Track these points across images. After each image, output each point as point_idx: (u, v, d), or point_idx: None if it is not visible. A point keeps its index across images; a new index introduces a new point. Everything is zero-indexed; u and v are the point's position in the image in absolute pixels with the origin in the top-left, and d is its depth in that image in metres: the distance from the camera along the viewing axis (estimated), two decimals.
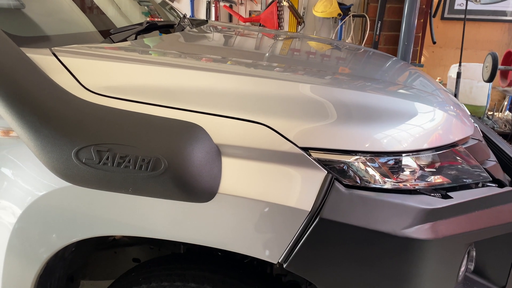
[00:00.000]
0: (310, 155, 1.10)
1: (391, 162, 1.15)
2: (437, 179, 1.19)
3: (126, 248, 1.98)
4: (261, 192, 1.08)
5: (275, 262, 1.11)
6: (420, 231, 1.06)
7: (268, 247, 1.11)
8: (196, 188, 1.04)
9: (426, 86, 1.68)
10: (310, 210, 1.06)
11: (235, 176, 1.09)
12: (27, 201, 1.18)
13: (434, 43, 4.52)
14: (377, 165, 1.14)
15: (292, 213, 1.07)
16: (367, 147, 1.13)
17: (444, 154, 1.21)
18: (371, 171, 1.13)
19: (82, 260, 1.66)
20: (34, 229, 1.21)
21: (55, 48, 1.24)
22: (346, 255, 1.08)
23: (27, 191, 1.19)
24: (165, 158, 1.02)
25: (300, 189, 1.09)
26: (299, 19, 5.28)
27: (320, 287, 1.13)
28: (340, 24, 5.18)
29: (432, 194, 1.16)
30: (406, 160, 1.16)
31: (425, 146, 1.18)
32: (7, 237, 1.23)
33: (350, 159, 1.12)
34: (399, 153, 1.15)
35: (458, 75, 4.32)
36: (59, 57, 1.18)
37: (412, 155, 1.16)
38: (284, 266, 1.11)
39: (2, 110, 1.03)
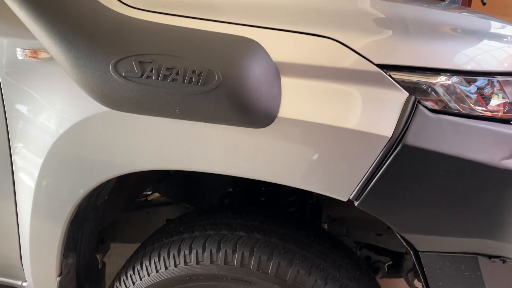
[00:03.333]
0: (388, 74, 0.92)
1: (483, 85, 0.96)
2: None
3: (160, 208, 1.85)
4: (329, 116, 0.91)
5: (344, 199, 0.94)
6: None
7: (338, 181, 0.94)
8: (253, 108, 0.88)
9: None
10: (391, 136, 0.88)
11: (298, 98, 0.92)
12: (59, 131, 1.04)
13: (484, 4, 4.17)
14: (466, 88, 0.95)
15: (368, 140, 0.90)
16: (455, 65, 0.94)
17: None
18: (459, 95, 0.94)
19: (114, 215, 1.53)
20: (67, 163, 1.08)
21: None
22: (432, 189, 0.90)
23: (59, 120, 1.05)
24: (219, 70, 0.85)
25: (378, 113, 0.91)
26: None
27: (398, 229, 0.96)
28: None
29: None
30: (500, 84, 0.97)
31: None
32: (36, 174, 1.10)
33: (435, 79, 0.93)
34: (493, 74, 0.96)
35: None
36: None
37: (508, 76, 0.97)
38: (356, 204, 0.94)
39: (31, 19, 0.89)
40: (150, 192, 2.14)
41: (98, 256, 1.53)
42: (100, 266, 1.55)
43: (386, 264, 1.75)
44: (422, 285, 1.53)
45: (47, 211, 1.14)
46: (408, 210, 0.93)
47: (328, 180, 0.94)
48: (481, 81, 0.95)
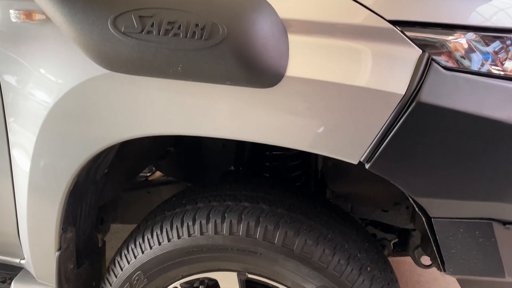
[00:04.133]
0: (401, 30, 0.87)
1: (499, 43, 0.92)
2: None
3: (161, 188, 1.81)
4: (340, 74, 0.86)
5: (355, 162, 0.90)
6: None
7: (348, 143, 0.89)
8: (260, 65, 0.84)
9: None
10: (404, 93, 0.84)
11: (307, 56, 0.88)
12: (56, 96, 1.00)
13: None
14: (482, 46, 0.90)
15: (380, 98, 0.85)
16: (471, 22, 0.90)
17: None
18: (474, 52, 0.90)
19: (114, 191, 1.48)
20: (64, 131, 1.03)
21: None
22: (447, 149, 0.86)
23: (55, 85, 1.00)
24: (224, 24, 0.81)
25: (390, 71, 0.87)
26: None
27: (411, 193, 0.91)
28: None
29: None
30: None
31: None
32: (33, 144, 1.05)
33: (450, 36, 0.89)
34: (509, 32, 0.92)
35: None
36: None
37: None
38: (367, 166, 0.90)
39: None
40: (150, 174, 2.10)
41: (98, 235, 1.50)
42: (100, 245, 1.51)
43: (392, 242, 1.71)
44: (431, 260, 1.51)
45: (44, 183, 1.10)
46: (421, 172, 0.89)
47: (338, 142, 0.90)
48: (497, 39, 0.91)
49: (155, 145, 1.53)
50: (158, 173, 2.14)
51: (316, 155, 1.49)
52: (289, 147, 0.93)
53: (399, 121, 0.85)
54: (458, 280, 1.17)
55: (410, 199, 0.95)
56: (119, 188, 1.54)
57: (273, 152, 1.50)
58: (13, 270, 1.48)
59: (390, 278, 1.17)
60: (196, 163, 1.67)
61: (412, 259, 1.68)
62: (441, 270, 1.32)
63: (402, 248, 1.71)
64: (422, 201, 0.93)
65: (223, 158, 1.64)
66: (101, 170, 1.26)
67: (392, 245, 1.72)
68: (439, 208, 0.94)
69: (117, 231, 2.41)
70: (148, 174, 2.11)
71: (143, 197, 1.79)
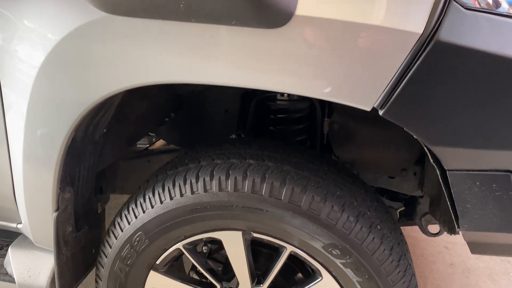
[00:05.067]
0: None
1: None
2: None
3: (161, 157, 1.76)
4: (353, 12, 0.81)
5: (368, 108, 0.85)
6: None
7: (361, 88, 0.84)
8: (269, 2, 0.78)
9: None
10: (422, 32, 0.79)
11: None
12: (50, 44, 0.94)
13: None
14: None
15: (396, 37, 0.80)
16: None
17: None
18: None
19: (113, 155, 1.43)
20: (60, 82, 0.98)
21: None
22: (467, 92, 0.82)
23: (49, 32, 0.95)
24: None
25: (406, 8, 0.81)
26: None
27: (426, 141, 0.87)
28: None
29: None
30: None
31: None
32: (28, 95, 1.00)
33: None
34: None
35: None
36: None
37: None
38: (381, 113, 0.85)
39: None
40: (150, 145, 2.06)
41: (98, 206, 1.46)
42: (99, 211, 1.47)
43: (398, 210, 1.68)
44: (440, 227, 1.47)
45: (40, 138, 1.05)
46: (438, 118, 0.84)
47: (350, 86, 0.85)
48: None
49: (155, 109, 1.47)
50: (158, 144, 2.09)
51: (322, 119, 1.44)
52: (298, 94, 0.88)
53: (416, 63, 0.80)
54: (468, 243, 1.14)
55: (425, 149, 0.90)
56: (118, 153, 1.49)
57: (278, 116, 1.45)
58: (10, 237, 1.44)
59: (400, 239, 1.14)
60: (197, 129, 1.62)
61: (419, 227, 1.64)
62: (451, 233, 1.29)
63: (408, 217, 1.67)
64: (438, 151, 0.88)
65: (226, 124, 1.59)
66: (100, 130, 1.21)
67: (398, 214, 1.68)
68: (455, 159, 0.89)
69: (116, 206, 2.37)
70: (148, 146, 2.07)
71: (143, 167, 1.74)
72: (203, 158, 1.14)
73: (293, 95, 1.41)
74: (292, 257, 1.26)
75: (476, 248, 1.12)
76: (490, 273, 2.13)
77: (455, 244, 2.35)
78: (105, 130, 1.24)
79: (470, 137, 0.85)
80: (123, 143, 1.49)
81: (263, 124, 1.48)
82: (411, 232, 2.37)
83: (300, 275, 1.26)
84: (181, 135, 1.68)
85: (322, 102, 1.43)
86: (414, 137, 0.87)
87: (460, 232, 1.09)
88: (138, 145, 2.05)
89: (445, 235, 2.42)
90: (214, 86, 1.51)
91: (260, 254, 1.26)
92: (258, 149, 1.15)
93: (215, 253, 1.30)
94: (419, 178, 1.55)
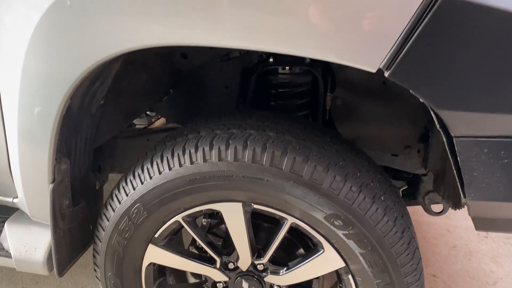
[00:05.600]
0: None
1: None
2: None
3: (160, 135, 1.73)
4: None
5: (373, 70, 0.82)
6: None
7: (366, 47, 0.81)
8: None
9: None
10: None
11: None
12: (42, 9, 0.91)
13: None
14: None
15: None
16: None
17: None
18: None
19: (110, 131, 1.40)
20: (56, 43, 0.94)
21: None
22: (477, 51, 0.78)
23: None
24: None
25: None
26: None
27: (434, 104, 0.84)
28: None
29: None
30: None
31: None
32: (22, 59, 0.97)
33: None
34: None
35: None
36: None
37: None
38: (387, 74, 0.82)
39: None
40: (146, 125, 2.03)
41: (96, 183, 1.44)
42: (97, 187, 1.45)
43: (401, 189, 1.65)
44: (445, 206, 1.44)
45: (36, 106, 1.02)
46: (447, 79, 0.81)
47: (355, 46, 0.81)
48: None
49: (153, 83, 1.44)
50: (157, 123, 2.07)
51: (324, 94, 1.41)
52: (300, 55, 0.85)
53: (424, 19, 0.76)
54: (473, 219, 1.11)
55: (432, 113, 0.87)
56: (116, 128, 1.46)
57: (279, 90, 1.42)
58: (7, 213, 1.42)
59: (404, 212, 1.11)
60: (197, 106, 1.59)
61: (422, 206, 1.62)
62: (455, 208, 1.27)
63: (411, 196, 1.65)
64: (446, 115, 0.85)
65: (226, 100, 1.56)
66: (97, 101, 1.18)
67: (401, 193, 1.66)
68: (463, 124, 0.86)
69: None
70: (147, 126, 2.04)
71: (142, 145, 1.71)
72: (202, 129, 1.11)
73: (294, 68, 1.38)
74: (293, 231, 1.24)
75: (480, 224, 1.10)
76: (493, 256, 2.11)
77: (457, 228, 2.34)
78: (102, 102, 1.21)
79: (480, 100, 0.82)
80: (122, 118, 1.46)
81: (264, 99, 1.45)
82: (413, 215, 2.34)
83: (301, 250, 1.24)
84: (180, 112, 1.65)
85: (324, 76, 1.40)
86: (421, 100, 0.84)
87: (465, 206, 1.07)
88: (137, 126, 2.02)
89: (447, 218, 2.41)
90: (213, 62, 1.48)
91: (261, 229, 1.23)
92: (259, 120, 1.12)
93: (214, 228, 1.28)
94: (423, 155, 1.53)
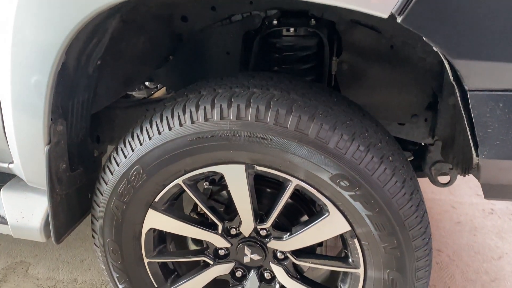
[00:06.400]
0: None
1: None
2: None
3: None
4: None
5: (385, 14, 0.77)
6: None
7: None
8: None
9: None
10: None
11: None
12: None
13: None
14: None
15: None
16: None
17: None
18: None
19: (108, 97, 1.36)
20: None
21: None
22: None
23: None
24: None
25: None
26: None
27: (448, 52, 0.79)
28: None
29: None
30: None
31: None
32: (14, 11, 0.92)
33: None
34: None
35: None
36: None
37: None
38: (399, 19, 0.77)
39: None
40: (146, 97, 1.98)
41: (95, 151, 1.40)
42: (96, 154, 1.41)
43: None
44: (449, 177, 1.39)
45: (29, 61, 0.97)
46: (463, 25, 0.76)
47: None
48: None
49: (152, 47, 1.39)
50: (156, 95, 2.02)
51: (330, 58, 1.36)
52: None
53: None
54: (483, 185, 1.07)
55: (446, 64, 0.82)
56: (114, 94, 1.42)
57: (283, 54, 1.37)
58: (3, 181, 1.38)
59: (412, 174, 1.07)
60: (197, 72, 1.54)
61: (429, 177, 1.58)
62: (464, 174, 1.23)
63: (417, 168, 1.61)
64: (461, 66, 0.81)
65: (227, 67, 1.51)
66: (94, 61, 1.13)
67: None
68: (478, 75, 0.82)
69: None
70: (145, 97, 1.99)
71: (141, 116, 1.67)
72: (203, 89, 1.07)
73: (299, 30, 1.33)
74: (296, 197, 1.20)
75: (491, 191, 1.06)
76: (498, 231, 2.08)
77: (461, 204, 2.31)
78: (99, 63, 1.16)
79: (497, 48, 0.78)
80: (120, 84, 1.42)
81: (267, 65, 1.40)
82: None
83: (304, 216, 1.20)
84: (180, 79, 1.60)
85: (330, 40, 1.35)
86: (435, 49, 0.80)
87: (474, 171, 1.03)
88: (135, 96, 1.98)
89: (451, 194, 2.38)
90: (214, 26, 1.43)
91: (263, 195, 1.20)
92: (262, 80, 1.07)
93: (216, 195, 1.25)
94: (430, 124, 1.48)
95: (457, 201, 2.32)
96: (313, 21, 1.30)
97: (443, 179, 1.61)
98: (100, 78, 1.23)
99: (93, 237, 1.25)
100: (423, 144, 1.58)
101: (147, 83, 2.04)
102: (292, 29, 1.33)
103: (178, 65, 1.55)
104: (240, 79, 1.10)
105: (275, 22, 1.31)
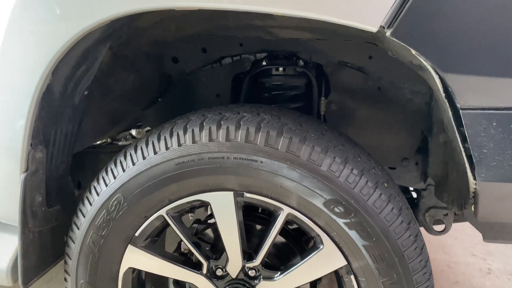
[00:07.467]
0: None
1: None
2: None
3: None
4: None
5: (374, 28, 0.79)
6: None
7: (366, 3, 0.78)
8: None
9: None
10: None
11: None
12: None
13: None
14: None
15: None
16: None
17: None
18: None
19: (93, 135, 1.33)
20: (40, 13, 0.90)
21: None
22: (487, 6, 0.75)
23: None
24: None
25: None
26: None
27: (438, 66, 0.79)
28: None
29: None
30: None
31: None
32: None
33: None
34: None
35: None
36: None
37: None
38: (388, 33, 0.78)
39: None
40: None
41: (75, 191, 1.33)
42: (76, 194, 1.33)
43: None
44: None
45: (14, 76, 0.95)
46: (454, 37, 0.77)
47: (354, 4, 0.78)
48: None
49: (141, 86, 1.39)
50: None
51: (319, 98, 1.37)
52: (299, 14, 0.81)
53: None
54: (480, 224, 1.05)
55: (437, 80, 0.82)
56: (99, 133, 1.39)
57: (272, 93, 1.38)
58: None
59: (407, 205, 1.02)
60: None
61: (423, 225, 1.53)
62: (461, 210, 1.18)
63: None
64: (452, 80, 0.80)
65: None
66: (81, 90, 1.11)
67: None
68: (469, 91, 0.81)
69: None
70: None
71: None
72: (192, 115, 1.04)
73: (288, 69, 1.35)
74: (287, 233, 1.14)
75: (489, 231, 1.02)
76: None
77: (458, 263, 2.21)
78: (86, 93, 1.14)
79: (489, 62, 0.78)
80: (106, 122, 1.39)
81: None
82: None
83: (296, 254, 1.12)
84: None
85: (318, 81, 1.37)
86: (424, 64, 0.80)
87: (467, 222, 0.99)
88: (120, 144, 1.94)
89: (446, 254, 2.29)
90: (205, 68, 1.45)
91: (252, 232, 1.13)
92: (252, 107, 1.06)
93: (201, 233, 1.17)
94: (421, 168, 1.47)
95: (452, 260, 2.23)
96: (301, 62, 1.33)
97: (438, 227, 1.55)
98: (86, 111, 1.20)
99: (65, 279, 1.13)
100: (414, 191, 1.55)
101: (134, 133, 2.01)
102: (281, 69, 1.35)
103: (167, 107, 1.54)
104: (230, 107, 1.08)
105: (264, 62, 1.34)
